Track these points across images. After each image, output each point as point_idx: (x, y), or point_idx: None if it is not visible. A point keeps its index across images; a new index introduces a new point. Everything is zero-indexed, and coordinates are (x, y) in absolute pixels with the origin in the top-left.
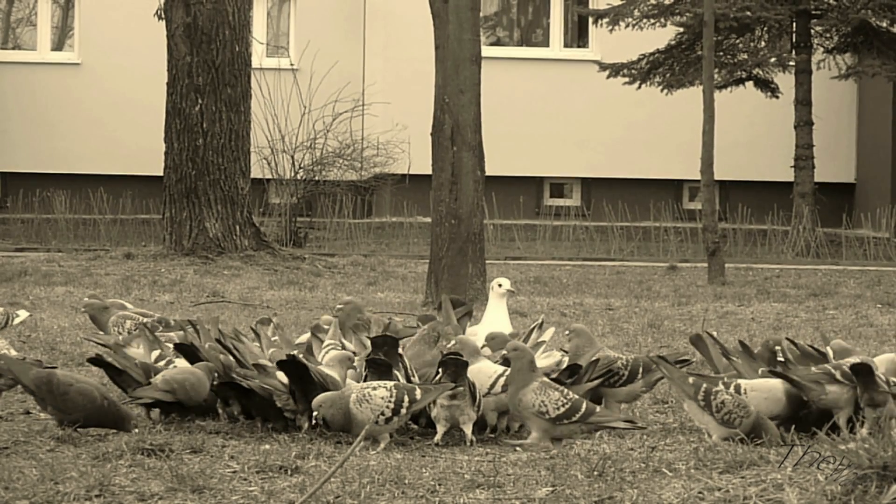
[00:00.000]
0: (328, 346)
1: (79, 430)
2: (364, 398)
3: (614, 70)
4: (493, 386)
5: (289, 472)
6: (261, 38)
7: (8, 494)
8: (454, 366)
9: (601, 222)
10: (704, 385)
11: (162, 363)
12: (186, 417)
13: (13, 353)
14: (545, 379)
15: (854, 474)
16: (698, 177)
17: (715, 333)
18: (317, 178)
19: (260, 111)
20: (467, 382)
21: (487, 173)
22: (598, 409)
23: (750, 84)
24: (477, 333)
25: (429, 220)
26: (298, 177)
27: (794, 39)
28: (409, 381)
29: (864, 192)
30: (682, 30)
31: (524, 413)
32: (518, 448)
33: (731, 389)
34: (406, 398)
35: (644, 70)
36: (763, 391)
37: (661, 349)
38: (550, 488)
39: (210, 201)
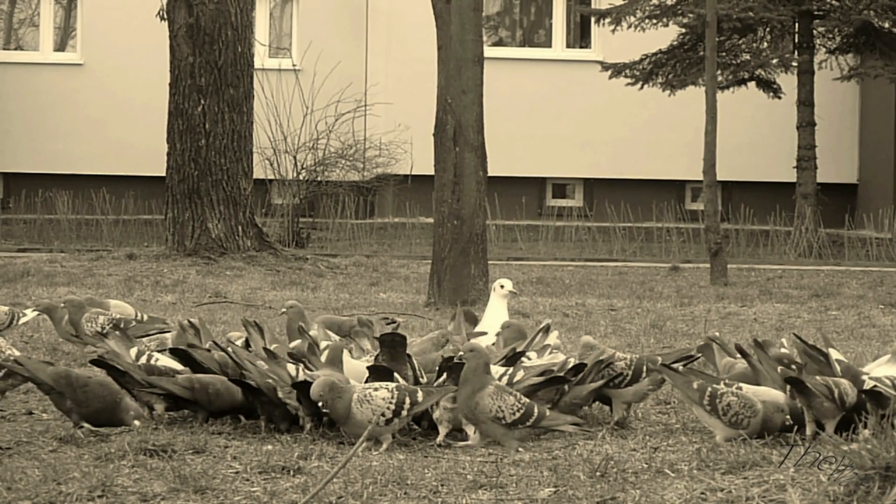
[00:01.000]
0: (326, 346)
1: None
2: (365, 398)
3: (616, 70)
4: None
5: (291, 472)
6: (263, 38)
7: (10, 495)
8: (455, 367)
9: (603, 223)
10: (709, 389)
11: (143, 359)
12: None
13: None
14: (499, 383)
15: (856, 475)
16: (701, 177)
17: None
18: (319, 178)
19: (262, 112)
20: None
21: (490, 174)
22: (548, 412)
23: (752, 85)
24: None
25: (431, 220)
26: (301, 177)
27: (796, 40)
28: (417, 381)
29: (867, 192)
30: (684, 30)
31: (480, 417)
32: (461, 449)
33: (734, 389)
34: (407, 400)
35: (646, 70)
36: (762, 396)
37: (664, 350)
38: (553, 489)
39: (212, 202)
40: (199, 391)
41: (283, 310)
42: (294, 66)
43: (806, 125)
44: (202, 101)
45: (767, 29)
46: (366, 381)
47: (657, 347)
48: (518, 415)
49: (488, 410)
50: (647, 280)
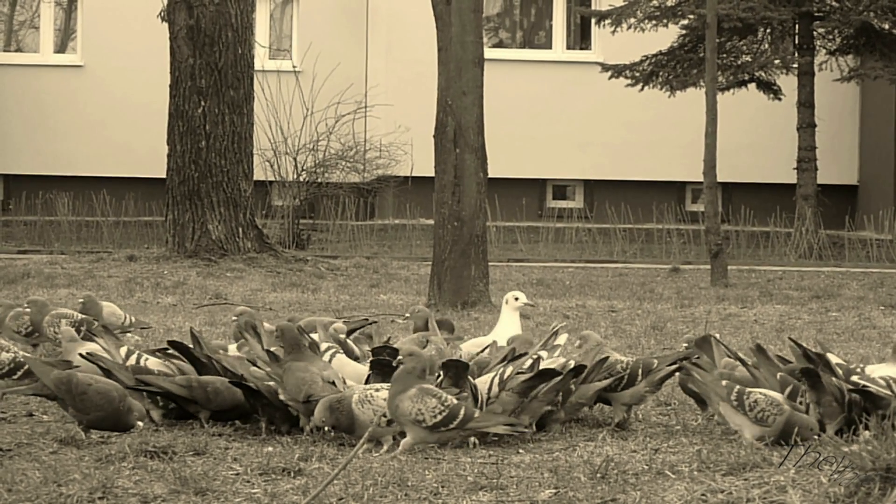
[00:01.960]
0: (326, 348)
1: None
2: (366, 399)
3: (617, 72)
4: (490, 388)
5: (292, 474)
6: (263, 40)
7: (11, 497)
8: (455, 369)
9: (604, 224)
10: (737, 387)
11: (132, 359)
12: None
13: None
14: (425, 385)
15: (857, 476)
16: (701, 179)
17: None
18: (319, 180)
19: (262, 113)
20: (469, 386)
21: (490, 175)
22: (476, 413)
23: (752, 86)
24: (482, 345)
25: (431, 222)
26: (301, 179)
27: (796, 41)
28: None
29: (867, 194)
30: (684, 31)
31: (401, 419)
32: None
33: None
34: None
35: (646, 72)
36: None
37: (664, 351)
38: (553, 490)
39: (213, 203)
40: (197, 390)
41: (234, 317)
42: (294, 67)
43: (806, 126)
44: (202, 103)
45: (768, 30)
46: (367, 380)
47: (657, 349)
48: (440, 417)
49: (408, 412)
50: (647, 281)
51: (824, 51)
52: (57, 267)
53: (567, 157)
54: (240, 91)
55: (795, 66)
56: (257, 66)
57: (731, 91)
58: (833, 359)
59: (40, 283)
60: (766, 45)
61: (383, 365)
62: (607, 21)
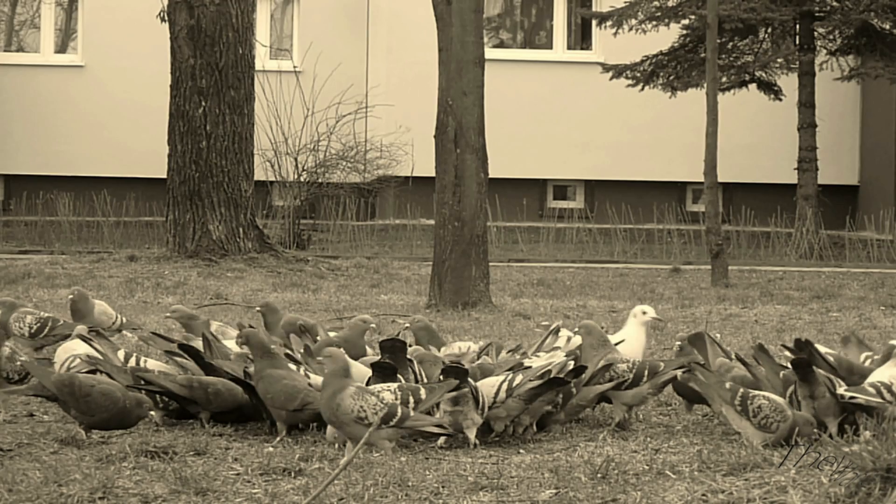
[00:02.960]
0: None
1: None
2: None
3: (617, 72)
4: (497, 394)
5: (292, 474)
6: (264, 40)
7: (12, 497)
8: (455, 373)
9: (604, 224)
10: (741, 390)
11: (132, 361)
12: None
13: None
14: (361, 385)
15: (857, 476)
16: (702, 179)
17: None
18: (320, 180)
19: (263, 113)
20: (470, 388)
21: (491, 175)
22: (412, 413)
23: (753, 86)
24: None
25: (432, 222)
26: (302, 179)
27: (797, 42)
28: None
29: (868, 194)
30: (685, 32)
31: (342, 419)
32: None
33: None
34: (411, 399)
35: (647, 72)
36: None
37: (665, 352)
38: (554, 491)
39: (213, 204)
40: (197, 390)
41: (168, 314)
42: (295, 67)
43: (807, 127)
44: (203, 103)
45: (768, 31)
46: (368, 381)
47: (658, 349)
48: (381, 414)
49: (349, 411)
50: (648, 282)
51: (825, 51)
52: (58, 267)
53: (568, 158)
54: (240, 91)
55: (796, 65)
56: (258, 66)
57: (732, 91)
58: (822, 349)
59: (41, 283)
60: (767, 46)
61: (384, 367)
62: (608, 21)
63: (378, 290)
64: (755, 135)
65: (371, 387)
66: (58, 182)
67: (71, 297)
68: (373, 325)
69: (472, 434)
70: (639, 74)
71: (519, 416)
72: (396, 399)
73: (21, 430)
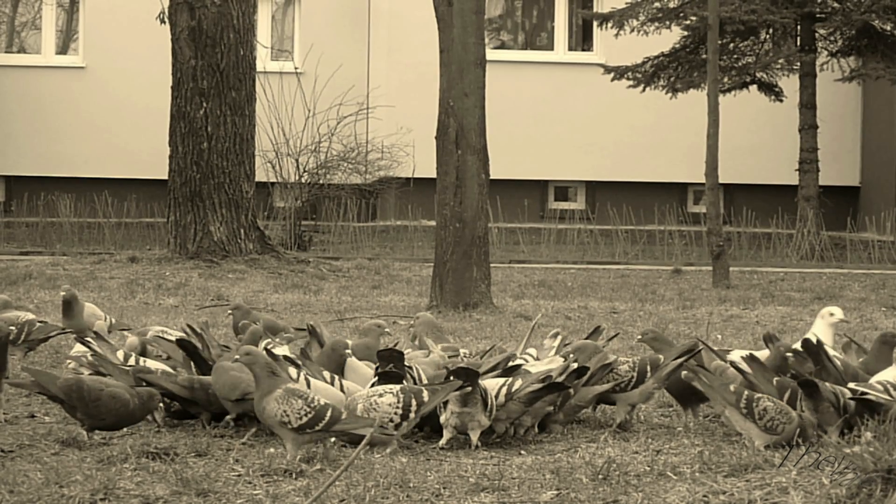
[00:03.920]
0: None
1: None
2: (371, 406)
3: (618, 73)
4: (497, 396)
5: (293, 475)
6: (265, 41)
7: (13, 498)
8: (465, 375)
9: (606, 226)
10: (746, 392)
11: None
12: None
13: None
14: (291, 386)
15: (858, 478)
16: (703, 180)
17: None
18: (321, 181)
19: (264, 115)
20: (479, 389)
21: (492, 177)
22: (343, 415)
23: (754, 88)
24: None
25: (433, 223)
26: (303, 180)
27: (798, 43)
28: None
29: (869, 195)
30: (686, 33)
31: (269, 422)
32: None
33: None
34: (413, 402)
35: (648, 73)
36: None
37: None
38: (555, 492)
39: (214, 205)
40: (198, 391)
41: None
42: (296, 68)
43: (808, 128)
44: (204, 104)
45: (769, 32)
46: (373, 382)
47: (623, 347)
48: (306, 419)
49: (274, 414)
50: (649, 283)
51: (826, 52)
52: (59, 268)
53: (569, 159)
54: (242, 92)
55: (797, 66)
56: (259, 67)
57: (733, 93)
58: (831, 352)
59: (42, 284)
60: (769, 47)
61: (391, 375)
62: (609, 23)
63: (379, 291)
64: (756, 136)
65: (373, 388)
66: (59, 183)
67: (63, 294)
68: (387, 330)
69: (475, 436)
70: (640, 75)
71: (520, 418)
72: (398, 401)
73: (22, 432)
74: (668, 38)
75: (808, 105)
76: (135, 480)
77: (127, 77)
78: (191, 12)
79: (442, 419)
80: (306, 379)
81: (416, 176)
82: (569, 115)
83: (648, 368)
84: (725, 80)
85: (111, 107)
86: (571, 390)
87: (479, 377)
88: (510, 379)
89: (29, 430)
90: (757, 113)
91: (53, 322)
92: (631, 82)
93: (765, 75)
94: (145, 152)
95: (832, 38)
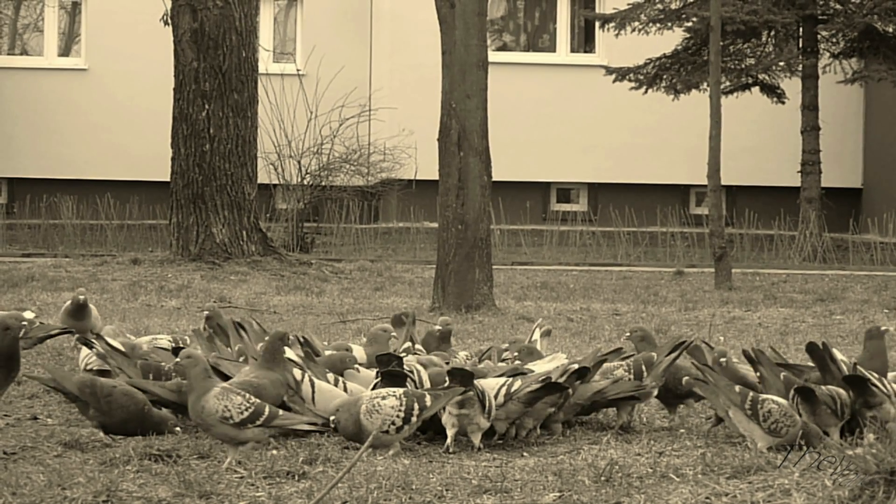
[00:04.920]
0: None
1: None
2: (374, 408)
3: (621, 74)
4: (496, 397)
5: (296, 477)
6: (267, 43)
7: (16, 500)
8: (461, 376)
9: (608, 227)
10: (751, 394)
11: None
12: None
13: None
14: (226, 384)
15: (861, 479)
16: (705, 182)
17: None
18: (323, 183)
19: (266, 116)
20: (476, 391)
21: (494, 178)
22: (280, 412)
23: (756, 89)
24: None
25: (436, 225)
26: (305, 182)
27: (800, 45)
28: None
29: (871, 197)
30: (688, 34)
31: (208, 420)
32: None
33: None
34: (416, 405)
35: (650, 75)
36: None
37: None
38: (558, 493)
39: (217, 207)
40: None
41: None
42: (298, 70)
43: (810, 129)
44: (206, 106)
45: (771, 33)
46: (375, 386)
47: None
48: (246, 414)
49: (214, 411)
50: (651, 284)
51: (828, 54)
52: (61, 270)
53: (571, 160)
54: (244, 94)
55: (799, 68)
56: (261, 69)
57: (735, 94)
58: (838, 355)
59: (44, 286)
60: (770, 48)
61: (394, 375)
62: (611, 24)
63: (381, 293)
64: (758, 137)
65: (377, 391)
66: (61, 185)
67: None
68: (394, 335)
69: (476, 438)
70: (642, 77)
71: (522, 419)
72: (401, 404)
73: (25, 434)
74: (669, 40)
75: (810, 107)
76: (137, 482)
77: (129, 79)
78: (193, 14)
79: (443, 420)
80: (311, 380)
81: (418, 178)
82: (571, 117)
83: (644, 368)
84: (727, 81)
85: (113, 109)
86: (570, 391)
87: (474, 378)
88: (510, 379)
89: (32, 432)
90: (759, 114)
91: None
92: (633, 84)
93: (767, 77)
94: (147, 154)
95: (834, 40)
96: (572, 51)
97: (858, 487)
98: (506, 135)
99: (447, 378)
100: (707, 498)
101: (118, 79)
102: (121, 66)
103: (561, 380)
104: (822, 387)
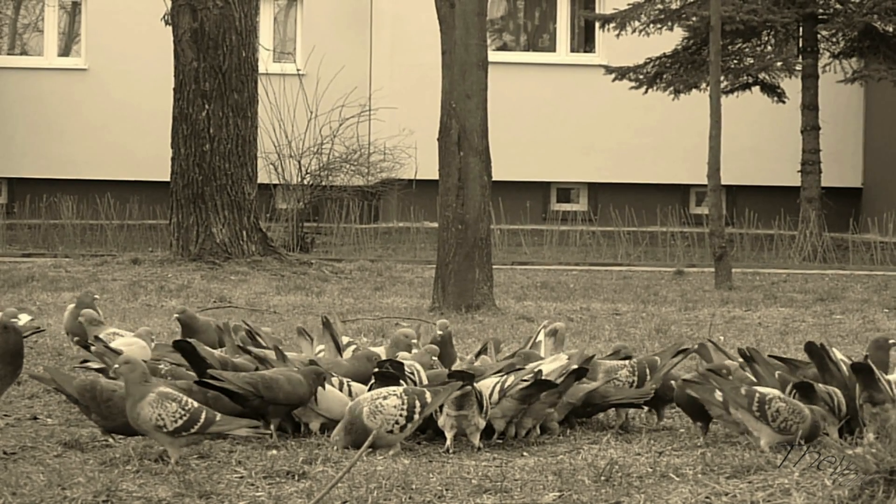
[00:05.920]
0: (320, 350)
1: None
2: (377, 409)
3: (620, 74)
4: (490, 395)
5: (296, 477)
6: (267, 43)
7: (16, 500)
8: (461, 378)
9: (608, 227)
10: (758, 394)
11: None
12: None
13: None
14: (164, 389)
15: (861, 479)
16: (705, 181)
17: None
18: (323, 183)
19: (266, 116)
20: (474, 392)
21: (494, 178)
22: (218, 417)
23: (756, 89)
24: None
25: (436, 225)
26: (305, 182)
27: (800, 44)
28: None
29: (871, 196)
30: (688, 34)
31: (144, 427)
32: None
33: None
34: (417, 403)
35: (650, 74)
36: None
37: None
38: (558, 493)
39: (217, 207)
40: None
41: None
42: (298, 70)
43: (810, 129)
44: (206, 106)
45: (771, 33)
46: (370, 387)
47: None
48: (181, 422)
49: (149, 419)
50: (651, 284)
51: (828, 53)
52: (61, 270)
53: (571, 160)
54: (244, 94)
55: (799, 68)
56: (261, 69)
57: (735, 94)
58: (837, 354)
59: (44, 286)
60: (770, 48)
61: (387, 376)
62: (611, 24)
63: (381, 292)
64: (758, 137)
65: (376, 391)
66: (61, 185)
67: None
68: (414, 340)
69: (475, 439)
70: (642, 77)
71: (521, 419)
72: (403, 403)
73: (25, 434)
74: (669, 39)
75: (810, 106)
76: (137, 482)
77: (129, 79)
78: (193, 14)
79: (440, 422)
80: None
81: (418, 178)
82: (571, 117)
83: (647, 370)
84: (726, 81)
85: (113, 109)
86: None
87: (473, 379)
88: (504, 376)
89: (31, 432)
90: (759, 114)
91: (55, 325)
92: (633, 83)
93: (767, 76)
94: (147, 154)
95: (834, 40)
96: (572, 50)
97: (858, 487)
98: (506, 135)
99: (448, 380)
100: (707, 497)
101: (118, 79)
102: (121, 66)
103: (559, 381)
104: (820, 385)
